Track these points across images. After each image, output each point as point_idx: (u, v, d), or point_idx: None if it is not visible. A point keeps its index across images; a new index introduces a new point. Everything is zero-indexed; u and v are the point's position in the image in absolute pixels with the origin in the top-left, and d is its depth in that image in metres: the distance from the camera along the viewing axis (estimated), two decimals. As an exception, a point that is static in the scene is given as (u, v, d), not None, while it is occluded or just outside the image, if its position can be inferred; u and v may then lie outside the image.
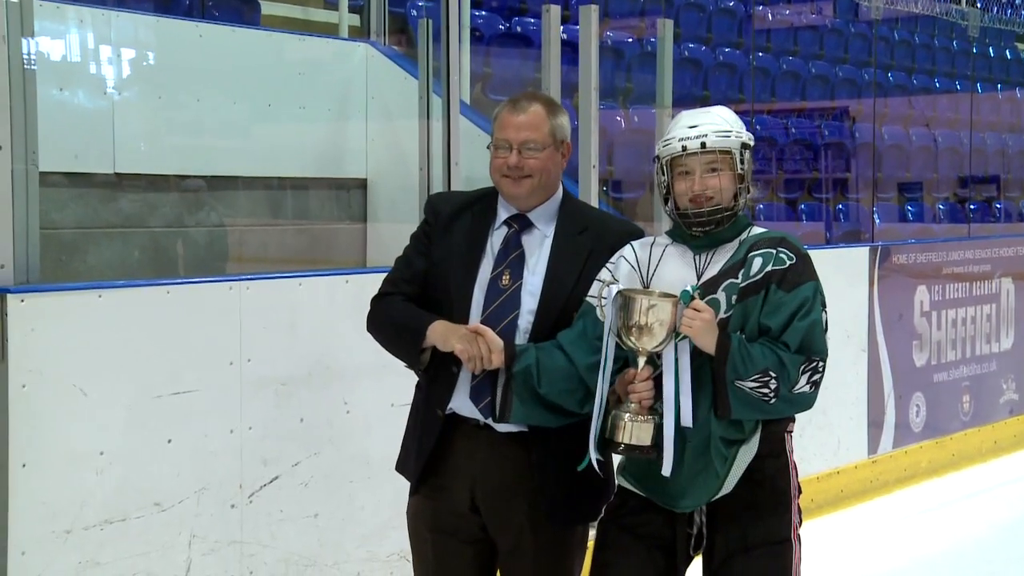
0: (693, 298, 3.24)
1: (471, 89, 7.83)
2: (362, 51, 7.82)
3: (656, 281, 3.35)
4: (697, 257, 3.37)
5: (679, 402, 3.25)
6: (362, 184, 7.47)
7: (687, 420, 3.23)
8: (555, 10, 6.22)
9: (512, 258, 3.47)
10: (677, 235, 3.42)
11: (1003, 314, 8.87)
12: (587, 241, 3.49)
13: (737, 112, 10.61)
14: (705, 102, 10.70)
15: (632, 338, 3.22)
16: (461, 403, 3.45)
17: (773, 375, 3.19)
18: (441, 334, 3.38)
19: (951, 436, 8.32)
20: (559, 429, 3.43)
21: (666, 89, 7.03)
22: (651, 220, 6.79)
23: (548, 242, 3.48)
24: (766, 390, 3.20)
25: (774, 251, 3.33)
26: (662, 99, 7.06)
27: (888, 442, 7.70)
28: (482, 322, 3.38)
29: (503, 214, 3.52)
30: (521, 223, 3.49)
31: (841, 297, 7.14)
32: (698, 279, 3.32)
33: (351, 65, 7.75)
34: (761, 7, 13.72)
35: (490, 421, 3.41)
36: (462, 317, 3.43)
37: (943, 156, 13.12)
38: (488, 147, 3.50)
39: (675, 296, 3.23)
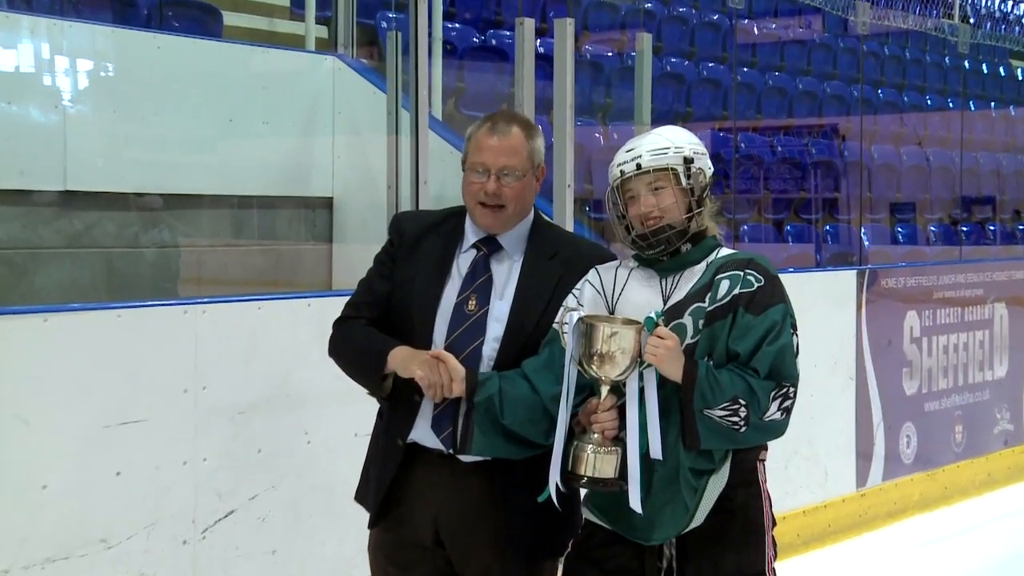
0: (657, 324, 3.22)
1: (443, 104, 7.86)
2: (329, 64, 7.82)
3: (622, 305, 3.37)
4: (663, 281, 3.38)
5: (646, 433, 3.23)
6: (328, 203, 7.46)
7: (656, 452, 3.20)
8: (529, 23, 6.24)
9: (479, 283, 3.44)
10: (643, 259, 3.41)
11: (997, 341, 8.89)
12: (557, 267, 3.46)
13: (721, 129, 10.56)
14: (687, 119, 11.05)
15: (594, 366, 3.20)
16: (422, 433, 3.42)
17: (743, 403, 3.18)
18: (402, 360, 3.36)
19: (943, 468, 8.31)
20: (526, 460, 3.41)
21: (644, 105, 7.06)
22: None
23: (517, 267, 3.46)
24: (736, 418, 3.19)
25: (741, 273, 3.32)
26: (640, 115, 7.08)
27: (878, 474, 7.69)
28: (446, 348, 3.35)
29: (471, 236, 3.49)
30: (490, 247, 3.46)
31: (828, 322, 7.30)
32: (664, 303, 3.32)
33: (318, 79, 7.74)
34: (746, 20, 13.67)
35: (453, 451, 3.40)
36: (424, 343, 3.40)
37: (935, 176, 13.25)
38: (463, 167, 3.47)
39: (639, 323, 3.23)
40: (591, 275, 3.44)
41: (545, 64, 6.53)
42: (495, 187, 3.36)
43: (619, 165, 3.37)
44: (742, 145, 11.24)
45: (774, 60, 13.56)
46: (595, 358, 3.19)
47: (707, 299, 3.31)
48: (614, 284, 3.41)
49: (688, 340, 3.28)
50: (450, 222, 3.54)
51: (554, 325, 3.32)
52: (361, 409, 3.82)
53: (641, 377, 3.24)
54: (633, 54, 8.42)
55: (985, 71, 16.46)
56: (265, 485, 4.48)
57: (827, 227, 11.26)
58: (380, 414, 3.62)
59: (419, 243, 3.54)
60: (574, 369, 3.29)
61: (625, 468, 3.23)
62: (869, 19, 12.66)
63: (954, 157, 13.00)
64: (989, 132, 14.76)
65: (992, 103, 15.71)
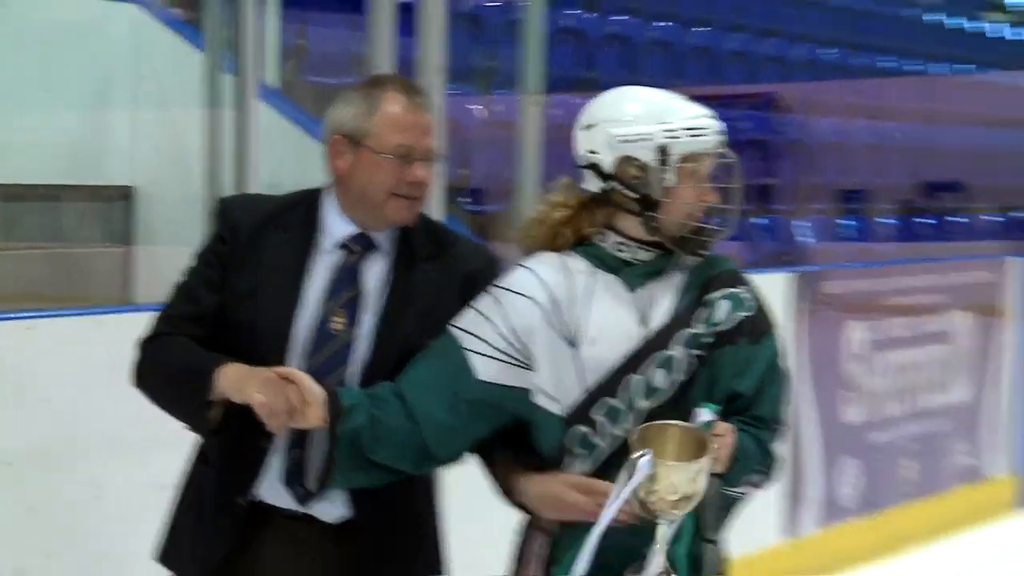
0: (713, 423, 3.15)
1: (282, 68, 7.75)
2: (128, 15, 7.50)
3: (586, 327, 3.23)
4: (634, 295, 3.28)
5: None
6: (126, 194, 7.23)
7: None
8: (386, -33, 6.18)
9: (349, 293, 3.34)
10: (603, 261, 3.28)
11: (957, 357, 9.00)
12: (435, 271, 3.39)
13: None
14: (591, 85, 10.80)
15: (665, 509, 3.12)
16: (270, 487, 3.31)
17: (760, 469, 3.25)
18: (236, 380, 3.19)
19: (891, 511, 8.41)
20: (402, 520, 3.41)
21: (533, 69, 6.96)
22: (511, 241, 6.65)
23: (390, 272, 3.38)
24: (750, 487, 3.26)
25: (738, 291, 3.31)
26: (530, 82, 6.97)
27: (812, 520, 7.75)
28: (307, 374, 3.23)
29: (336, 233, 3.37)
30: (365, 247, 3.37)
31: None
32: (644, 326, 3.23)
33: (114, 33, 7.42)
34: None
35: (308, 506, 3.31)
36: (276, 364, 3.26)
37: (892, 157, 13.40)
38: (353, 147, 3.31)
39: (698, 432, 3.12)
40: (529, 282, 3.27)
41: (410, 17, 6.45)
42: (424, 175, 3.30)
43: (692, 131, 3.22)
44: None
45: (698, 13, 13.65)
46: (673, 502, 3.12)
47: (702, 323, 3.27)
48: (570, 295, 3.25)
49: (681, 377, 3.23)
50: (296, 213, 3.40)
51: (484, 359, 3.22)
52: (167, 457, 3.67)
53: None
54: (522, 4, 8.48)
55: (951, 27, 16.90)
56: (38, 553, 4.36)
57: (759, 220, 11.29)
58: (203, 457, 3.44)
59: (258, 240, 3.39)
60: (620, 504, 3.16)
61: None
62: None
63: (915, 133, 13.25)
64: (957, 102, 15.05)
65: (961, 66, 16.05)
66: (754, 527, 7.09)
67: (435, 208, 5.78)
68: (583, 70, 11.38)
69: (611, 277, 3.25)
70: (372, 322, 3.30)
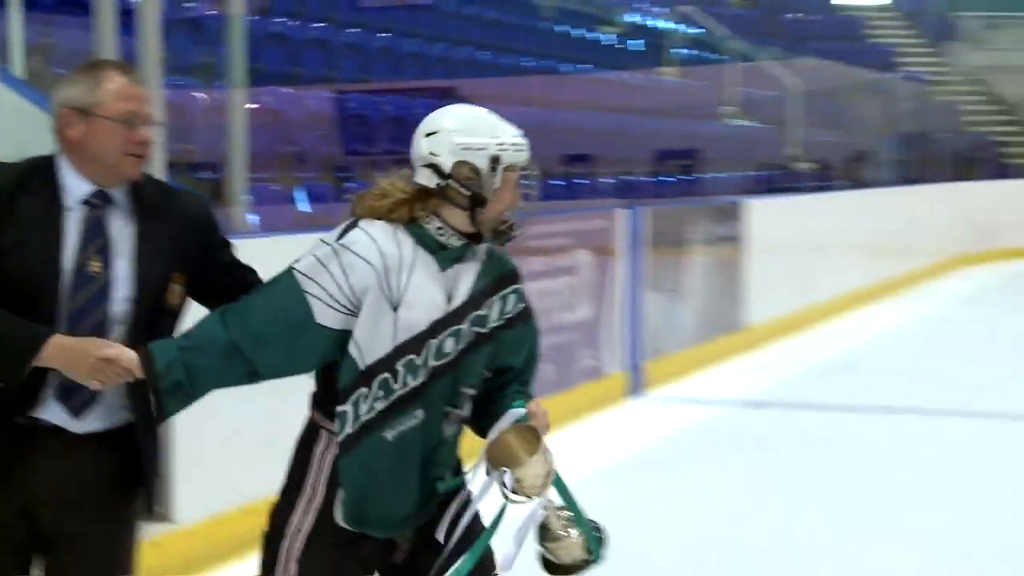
0: (526, 414, 3.22)
1: (28, 61, 7.34)
2: None
3: (406, 294, 3.18)
4: (444, 274, 3.25)
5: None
6: None
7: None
8: (107, -24, 6.11)
9: (99, 241, 3.21)
10: (424, 241, 3.23)
11: (582, 285, 9.13)
12: (166, 217, 3.30)
13: (330, 91, 10.47)
14: (296, 81, 11.21)
15: (537, 492, 3.21)
16: (45, 407, 3.17)
17: None
18: (67, 363, 3.09)
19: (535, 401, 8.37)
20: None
21: (237, 65, 6.87)
22: (228, 204, 6.80)
23: (131, 220, 3.25)
24: None
25: (519, 286, 3.33)
26: (236, 77, 6.89)
27: None
28: (73, 314, 3.13)
29: (78, 191, 3.22)
30: (104, 200, 3.24)
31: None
32: (448, 302, 3.20)
33: None
34: None
35: (79, 421, 3.20)
36: (48, 312, 3.13)
37: (534, 135, 13.63)
38: (86, 117, 3.16)
39: (529, 426, 3.18)
40: (367, 247, 3.17)
41: (131, 20, 6.22)
42: (148, 135, 3.21)
43: (505, 146, 3.23)
44: (353, 105, 11.49)
45: (384, 22, 13.74)
46: (540, 485, 3.20)
47: (493, 310, 3.27)
48: (400, 265, 3.19)
49: (462, 347, 3.23)
50: (36, 179, 3.21)
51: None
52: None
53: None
54: (229, 13, 8.44)
55: (575, 36, 17.61)
56: None
57: None
58: None
59: (12, 202, 3.18)
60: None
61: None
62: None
63: (551, 117, 13.52)
64: (581, 94, 15.50)
65: (583, 66, 16.71)
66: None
67: (158, 172, 5.68)
68: (288, 67, 11.29)
69: (429, 256, 3.20)
70: (124, 264, 3.18)
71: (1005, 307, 16.44)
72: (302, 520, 3.20)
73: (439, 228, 3.20)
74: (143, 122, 3.20)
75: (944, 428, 9.19)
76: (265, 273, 3.86)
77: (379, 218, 3.18)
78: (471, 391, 3.31)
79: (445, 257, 3.22)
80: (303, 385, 3.63)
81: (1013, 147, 25.52)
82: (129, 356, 3.07)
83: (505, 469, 3.18)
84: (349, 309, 3.10)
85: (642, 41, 19.20)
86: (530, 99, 14.15)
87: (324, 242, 3.17)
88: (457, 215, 3.18)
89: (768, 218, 12.74)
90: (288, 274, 3.14)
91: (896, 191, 18.56)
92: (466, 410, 3.32)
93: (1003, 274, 19.83)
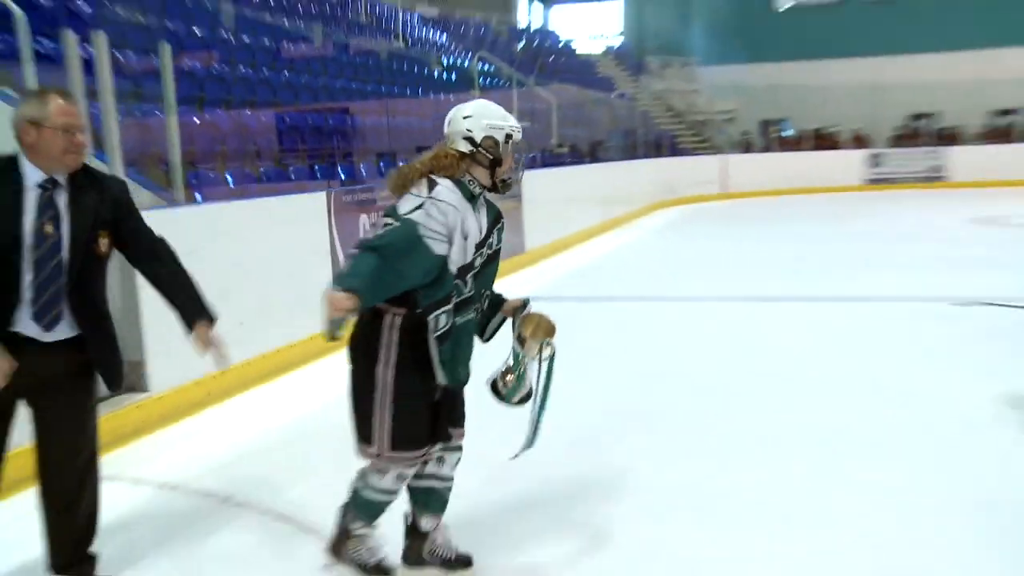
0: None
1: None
2: None
3: (466, 227, 3.14)
4: (477, 214, 3.20)
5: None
6: None
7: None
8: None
9: (51, 212, 3.08)
10: (463, 191, 3.17)
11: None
12: (96, 194, 3.17)
13: (273, 111, 10.92)
14: (250, 104, 10.90)
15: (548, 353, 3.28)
16: (22, 322, 3.09)
17: None
18: None
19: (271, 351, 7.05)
20: (108, 336, 3.27)
21: (170, 102, 6.53)
22: (171, 186, 6.60)
23: (71, 197, 3.13)
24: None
25: (503, 219, 3.33)
26: (169, 106, 6.52)
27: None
28: (36, 262, 3.04)
29: (35, 178, 3.09)
30: (53, 184, 3.11)
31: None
32: (480, 232, 3.20)
33: None
34: (289, 43, 14.26)
35: (49, 333, 3.11)
36: (16, 262, 3.03)
37: (399, 136, 13.30)
38: (36, 130, 3.05)
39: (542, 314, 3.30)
40: (452, 198, 3.10)
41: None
42: (82, 140, 3.10)
43: (513, 128, 3.24)
44: (287, 120, 11.43)
45: (303, 66, 13.50)
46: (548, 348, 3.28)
47: (495, 237, 3.27)
48: (463, 208, 3.14)
49: (482, 262, 3.22)
50: (7, 171, 3.11)
51: (433, 243, 3.05)
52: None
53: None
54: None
55: (416, 71, 17.52)
56: None
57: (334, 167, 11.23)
58: None
59: None
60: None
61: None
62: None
63: (407, 123, 13.51)
64: (423, 110, 14.84)
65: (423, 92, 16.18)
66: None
67: (117, 166, 5.66)
68: (248, 96, 11.09)
69: (466, 202, 3.13)
70: (67, 227, 3.09)
71: (681, 233, 16.97)
72: (384, 375, 3.13)
73: (470, 180, 3.18)
74: (77, 130, 3.08)
75: (646, 309, 9.36)
76: (192, 229, 4.77)
77: (443, 172, 3.13)
78: (487, 292, 3.31)
79: (476, 203, 3.19)
80: (230, 295, 4.38)
81: (681, 138, 26.09)
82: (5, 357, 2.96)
83: (549, 340, 3.24)
84: (447, 239, 3.06)
85: (455, 74, 19.03)
86: (394, 112, 14.00)
87: (418, 195, 3.08)
88: (481, 172, 3.19)
89: (539, 183, 12.59)
90: (410, 223, 3.02)
91: (618, 164, 19.10)
92: (484, 306, 3.32)
93: (680, 213, 20.34)
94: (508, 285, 10.26)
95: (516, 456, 3.39)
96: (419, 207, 3.04)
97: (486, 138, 3.18)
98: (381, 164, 12.18)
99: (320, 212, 7.42)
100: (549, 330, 3.25)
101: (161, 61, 6.52)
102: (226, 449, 5.29)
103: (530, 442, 3.36)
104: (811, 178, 24.40)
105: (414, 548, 3.53)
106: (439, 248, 3.03)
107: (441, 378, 3.13)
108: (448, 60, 20.73)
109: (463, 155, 3.18)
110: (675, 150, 24.92)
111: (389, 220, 3.08)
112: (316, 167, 11.09)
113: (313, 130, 11.91)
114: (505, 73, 18.67)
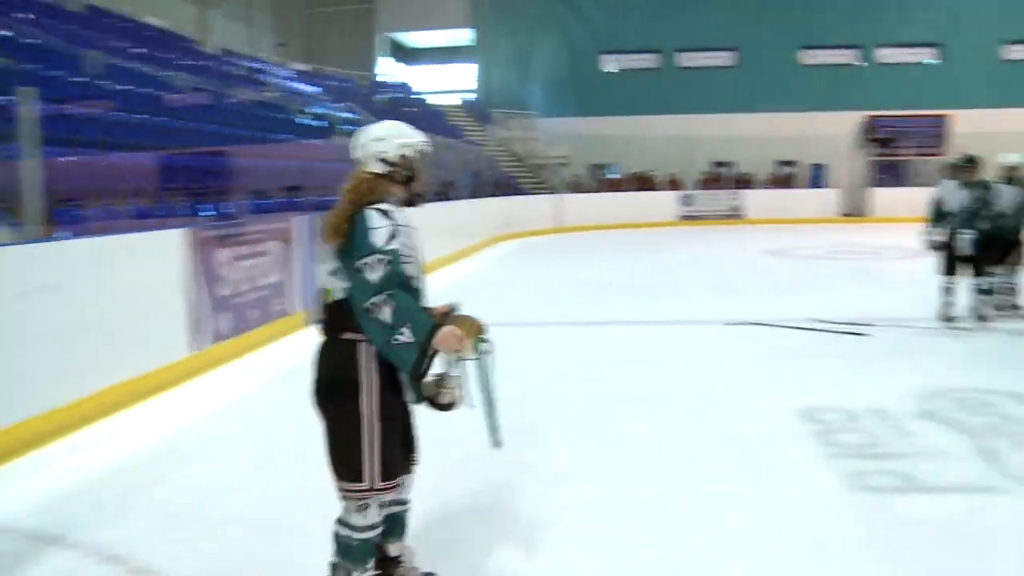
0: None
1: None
2: None
3: (419, 244, 3.03)
4: None
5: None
6: None
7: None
8: None
9: None
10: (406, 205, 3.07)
11: (272, 264, 8.39)
12: None
13: (155, 153, 9.64)
14: (137, 148, 10.66)
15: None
16: None
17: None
18: None
19: (249, 333, 7.79)
20: None
21: (29, 148, 6.03)
22: (26, 220, 6.09)
23: None
24: None
25: None
26: (28, 152, 6.04)
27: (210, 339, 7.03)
28: None
29: None
30: None
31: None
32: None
33: None
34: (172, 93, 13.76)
35: None
36: None
37: (271, 175, 13.26)
38: None
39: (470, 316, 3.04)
40: (399, 215, 2.94)
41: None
42: None
43: (424, 143, 3.10)
44: (168, 161, 10.95)
45: (183, 113, 13.17)
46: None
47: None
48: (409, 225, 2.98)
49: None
50: None
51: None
52: None
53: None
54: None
55: (288, 118, 17.40)
56: None
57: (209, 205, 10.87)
58: None
59: None
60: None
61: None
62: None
63: (278, 165, 13.68)
64: (293, 152, 15.11)
65: (292, 136, 16.08)
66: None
67: None
68: (135, 139, 10.98)
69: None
70: None
71: (518, 261, 16.82)
72: (370, 404, 2.88)
73: (393, 200, 3.01)
74: None
75: (494, 332, 9.60)
76: (48, 263, 4.66)
77: (370, 198, 2.92)
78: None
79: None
80: (88, 327, 4.28)
81: (522, 179, 26.18)
82: None
83: (483, 337, 3.00)
84: (413, 259, 2.94)
85: (325, 121, 18.87)
86: (268, 156, 14.03)
87: (379, 226, 2.85)
88: (398, 189, 3.02)
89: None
90: (395, 252, 2.83)
91: (466, 201, 18.88)
92: None
93: (519, 244, 20.03)
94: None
95: (498, 445, 3.17)
96: (392, 236, 2.83)
97: (401, 157, 3.02)
98: (255, 202, 11.93)
99: (177, 247, 6.95)
100: (480, 329, 3.03)
101: (22, 104, 6.05)
102: (54, 486, 4.64)
103: (499, 439, 3.15)
104: (633, 214, 24.72)
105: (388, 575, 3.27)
106: (411, 270, 2.89)
107: (411, 397, 2.96)
108: (315, 109, 20.33)
109: (379, 176, 2.99)
110: (516, 190, 24.96)
111: (369, 258, 2.80)
112: (194, 204, 10.70)
113: (190, 170, 11.60)
114: (366, 121, 18.39)
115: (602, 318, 9.57)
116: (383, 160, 3.01)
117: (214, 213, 10.66)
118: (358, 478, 2.91)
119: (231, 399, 6.43)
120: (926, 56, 29.10)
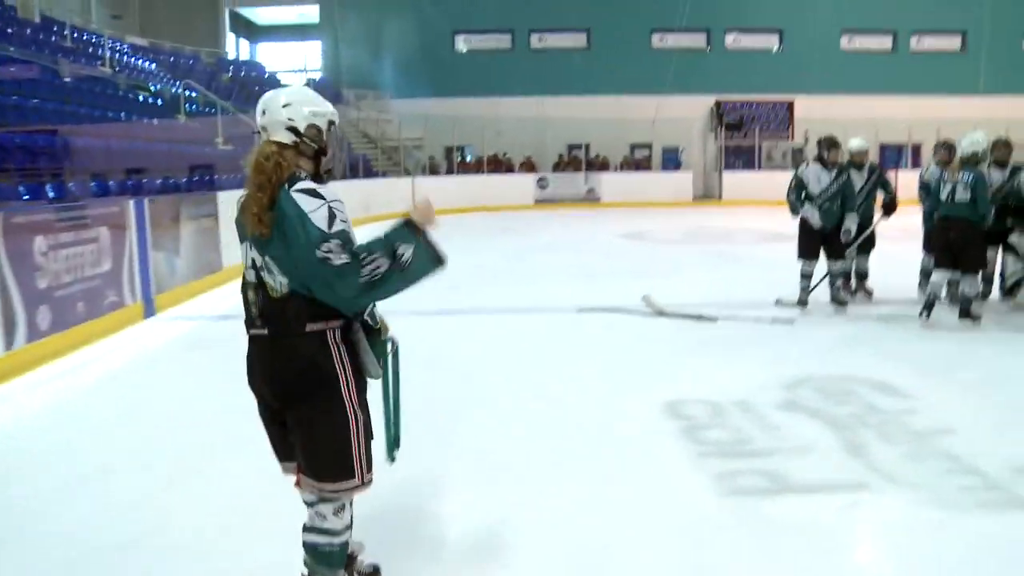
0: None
1: None
2: None
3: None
4: None
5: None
6: None
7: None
8: None
9: None
10: (322, 180, 2.85)
11: (103, 252, 8.15)
12: None
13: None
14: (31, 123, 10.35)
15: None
16: None
17: None
18: None
19: (73, 328, 7.47)
20: None
21: None
22: None
23: None
24: None
25: None
26: None
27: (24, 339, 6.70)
28: None
29: None
30: None
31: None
32: None
33: None
34: None
35: None
36: None
37: (114, 157, 13.16)
38: None
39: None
40: (329, 189, 2.76)
41: None
42: None
43: (334, 115, 2.89)
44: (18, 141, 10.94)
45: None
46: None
47: None
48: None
49: None
50: None
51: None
52: None
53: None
54: None
55: (132, 96, 16.83)
56: None
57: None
58: None
59: None
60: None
61: None
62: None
63: (123, 145, 13.43)
64: (140, 132, 14.96)
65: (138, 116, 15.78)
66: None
67: None
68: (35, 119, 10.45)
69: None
70: None
71: None
72: (350, 394, 2.76)
73: (304, 175, 2.79)
74: None
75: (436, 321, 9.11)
76: None
77: (281, 174, 2.72)
78: None
79: None
80: None
81: (376, 161, 25.91)
82: None
83: (389, 334, 2.97)
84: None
85: (160, 100, 18.33)
86: (106, 135, 13.65)
87: (311, 206, 2.67)
88: (306, 163, 2.82)
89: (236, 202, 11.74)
90: (344, 233, 2.67)
91: (341, 183, 19.03)
92: None
93: (375, 229, 20.06)
94: (208, 301, 9.92)
95: (394, 460, 3.04)
96: (331, 215, 2.64)
97: (310, 127, 2.79)
98: (93, 184, 11.57)
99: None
100: (386, 326, 2.91)
101: None
102: None
103: (398, 441, 3.05)
104: (490, 197, 24.89)
105: (349, 572, 3.18)
106: (353, 235, 2.72)
107: (374, 374, 2.84)
108: (155, 87, 19.69)
109: (286, 147, 2.76)
110: (370, 172, 24.35)
111: (324, 246, 2.62)
112: (19, 187, 10.17)
113: (20, 149, 11.25)
114: (210, 100, 17.98)
115: (453, 307, 9.23)
116: (291, 128, 2.79)
117: (51, 196, 10.24)
118: (350, 475, 2.76)
119: (49, 402, 6.06)
120: (771, 43, 30.03)
